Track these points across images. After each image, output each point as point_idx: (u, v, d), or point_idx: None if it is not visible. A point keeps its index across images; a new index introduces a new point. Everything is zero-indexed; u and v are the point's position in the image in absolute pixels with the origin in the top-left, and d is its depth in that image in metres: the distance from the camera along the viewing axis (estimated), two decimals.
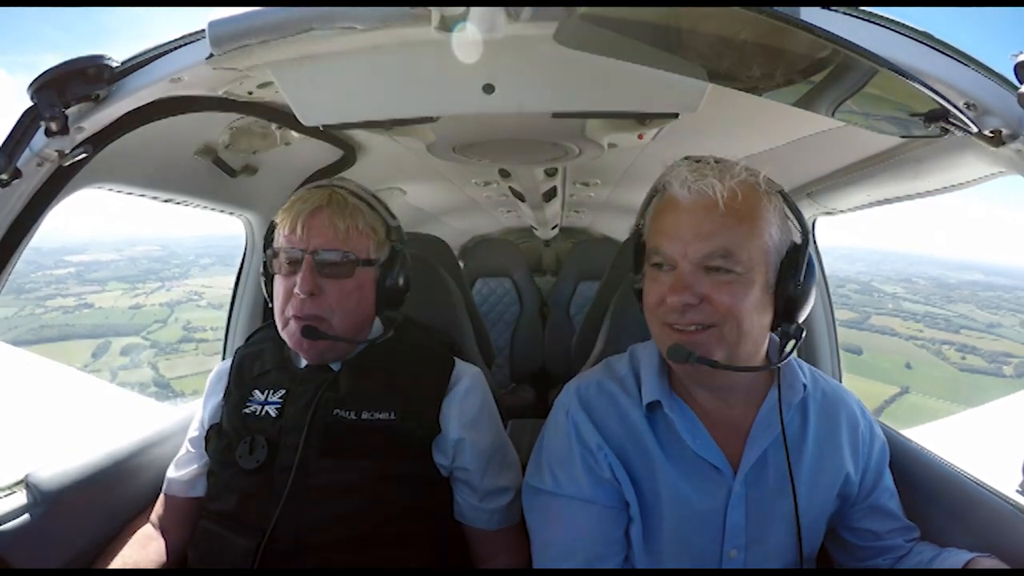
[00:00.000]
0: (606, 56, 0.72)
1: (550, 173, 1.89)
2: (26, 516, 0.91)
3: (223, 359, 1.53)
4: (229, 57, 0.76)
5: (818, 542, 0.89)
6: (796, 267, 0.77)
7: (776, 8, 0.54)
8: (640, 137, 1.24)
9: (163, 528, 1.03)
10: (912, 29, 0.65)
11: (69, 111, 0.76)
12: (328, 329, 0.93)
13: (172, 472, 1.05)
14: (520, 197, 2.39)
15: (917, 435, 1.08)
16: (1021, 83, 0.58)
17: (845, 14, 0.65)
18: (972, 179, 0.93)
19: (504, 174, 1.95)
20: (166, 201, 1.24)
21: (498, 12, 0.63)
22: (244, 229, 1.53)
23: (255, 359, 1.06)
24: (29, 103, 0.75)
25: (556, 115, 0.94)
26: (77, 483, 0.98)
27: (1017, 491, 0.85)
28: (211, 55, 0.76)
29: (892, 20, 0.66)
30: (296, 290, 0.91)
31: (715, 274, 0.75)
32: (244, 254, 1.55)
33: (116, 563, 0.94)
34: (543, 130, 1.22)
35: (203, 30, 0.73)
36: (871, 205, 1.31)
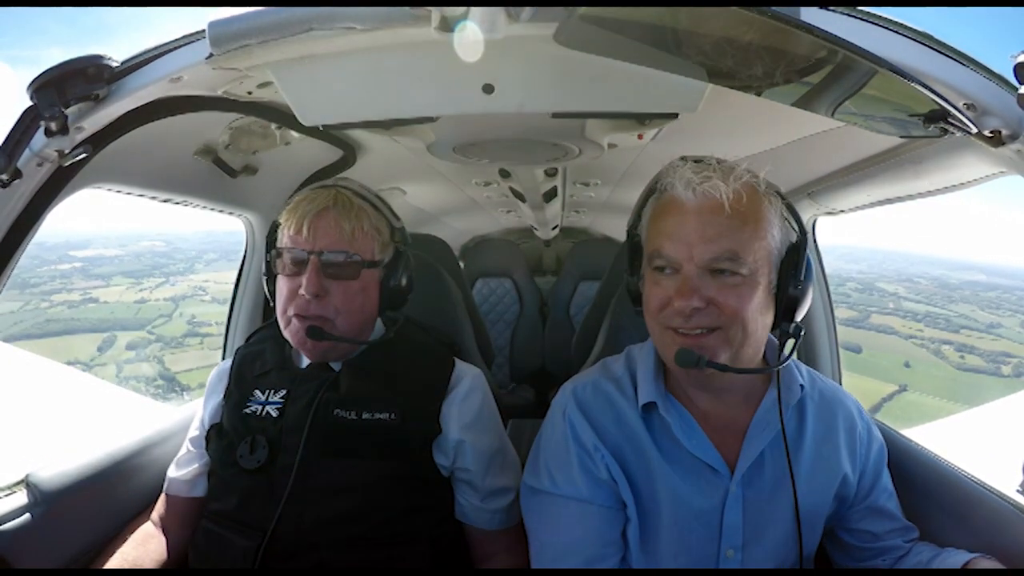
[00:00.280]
0: (606, 56, 0.72)
1: (550, 173, 1.89)
2: (26, 516, 0.91)
3: (223, 358, 1.53)
4: (229, 57, 0.76)
5: (815, 542, 0.89)
6: (796, 267, 0.78)
7: (776, 8, 0.54)
8: (640, 137, 1.24)
9: (164, 528, 1.03)
10: (912, 29, 0.65)
11: (69, 111, 0.76)
12: (332, 329, 0.94)
13: (173, 472, 1.05)
14: (520, 197, 2.39)
15: (917, 434, 1.08)
16: (1021, 83, 0.58)
17: (845, 14, 0.65)
18: (972, 179, 0.93)
19: (504, 174, 1.95)
20: (165, 201, 1.24)
21: (498, 12, 0.63)
22: (244, 229, 1.53)
23: (256, 359, 1.06)
24: (29, 103, 0.75)
25: (556, 115, 0.94)
26: (77, 483, 0.98)
27: (1017, 491, 0.85)
28: (211, 55, 0.75)
29: (892, 20, 0.66)
30: (302, 291, 0.91)
31: (721, 277, 0.75)
32: (244, 254, 1.56)
33: (116, 562, 0.94)
34: (543, 130, 1.22)
35: (203, 30, 0.73)
36: (871, 205, 1.31)
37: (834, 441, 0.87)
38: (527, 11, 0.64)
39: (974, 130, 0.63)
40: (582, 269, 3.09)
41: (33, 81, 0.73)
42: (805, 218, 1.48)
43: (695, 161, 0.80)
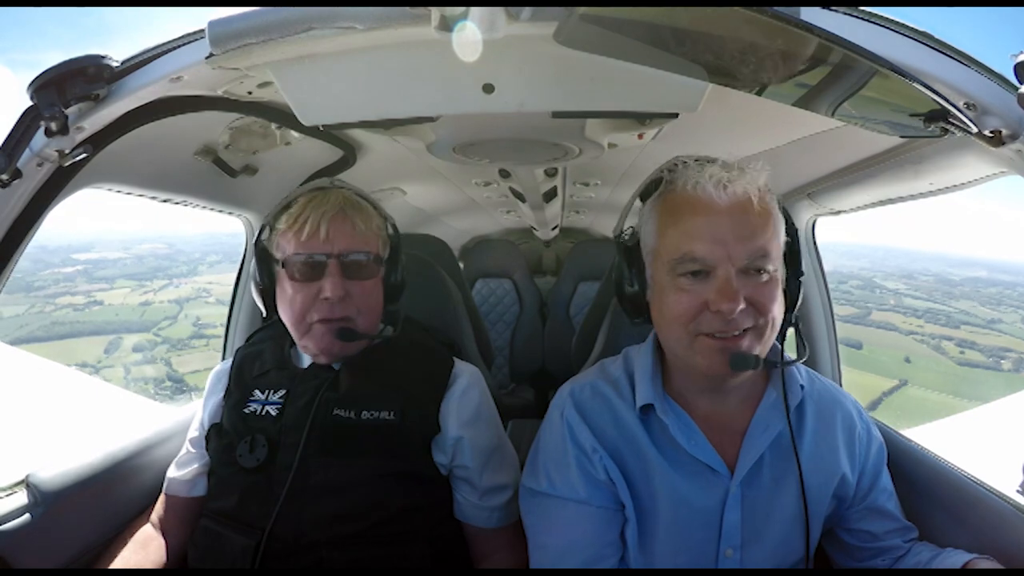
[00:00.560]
0: (606, 56, 0.72)
1: (550, 173, 1.89)
2: (26, 516, 0.91)
3: (223, 359, 1.53)
4: (229, 57, 0.76)
5: (814, 542, 0.89)
6: (796, 261, 0.81)
7: (776, 8, 0.54)
8: (640, 137, 1.24)
9: (163, 527, 1.03)
10: (912, 29, 0.65)
11: (69, 111, 0.76)
12: (356, 329, 0.95)
13: (173, 472, 1.05)
14: (520, 197, 2.39)
15: (922, 432, 1.08)
16: (1021, 83, 0.58)
17: (845, 14, 0.65)
18: (972, 179, 0.93)
19: (504, 174, 1.95)
20: (164, 201, 1.24)
21: (498, 12, 0.63)
22: (244, 229, 1.53)
23: (255, 359, 1.06)
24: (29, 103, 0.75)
25: (556, 115, 0.94)
26: (78, 483, 0.98)
27: (1017, 491, 0.85)
28: (211, 55, 0.75)
29: (892, 20, 0.66)
30: (325, 295, 0.91)
31: (754, 276, 0.74)
32: (244, 254, 1.55)
33: (117, 563, 0.94)
34: (543, 130, 1.22)
35: (203, 30, 0.73)
36: (871, 205, 1.31)
37: (833, 441, 0.87)
38: (527, 11, 0.64)
39: (974, 130, 0.63)
40: (582, 269, 3.08)
41: (33, 81, 0.73)
42: (805, 218, 1.48)
43: (695, 160, 0.80)
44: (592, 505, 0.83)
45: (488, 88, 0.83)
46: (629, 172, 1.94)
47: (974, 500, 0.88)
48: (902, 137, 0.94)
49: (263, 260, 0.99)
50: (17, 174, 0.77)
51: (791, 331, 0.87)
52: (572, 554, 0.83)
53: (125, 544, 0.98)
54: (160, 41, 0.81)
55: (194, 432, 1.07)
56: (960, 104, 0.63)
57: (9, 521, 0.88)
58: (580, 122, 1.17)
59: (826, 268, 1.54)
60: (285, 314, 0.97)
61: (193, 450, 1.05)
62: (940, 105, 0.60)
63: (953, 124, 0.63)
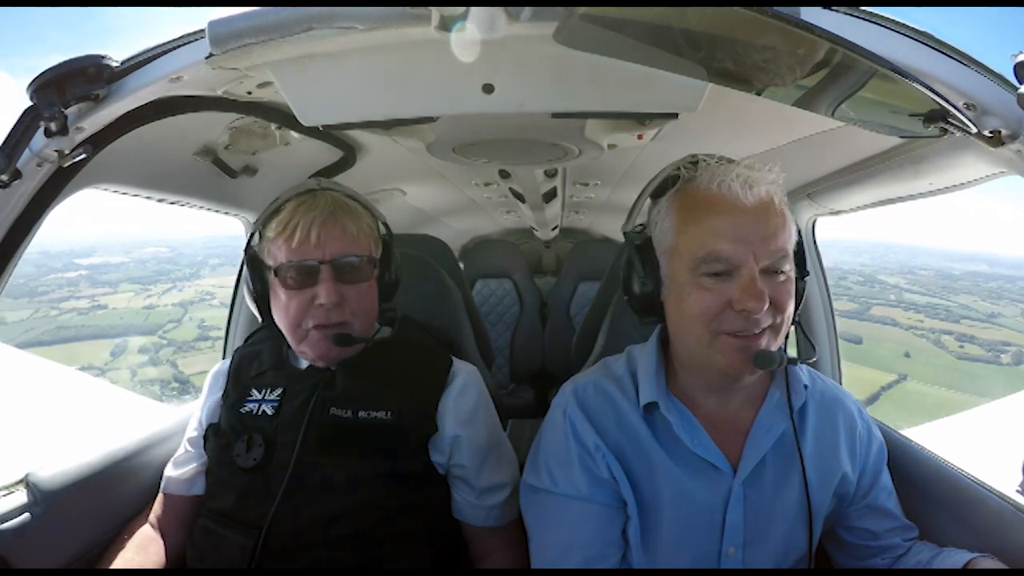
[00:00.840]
0: (606, 56, 0.72)
1: (550, 174, 1.89)
2: (26, 516, 0.91)
3: (223, 359, 1.53)
4: (229, 57, 0.76)
5: (815, 541, 0.89)
6: (803, 262, 0.83)
7: (776, 8, 0.54)
8: (640, 137, 1.24)
9: (162, 527, 1.03)
10: (912, 29, 0.65)
11: (69, 111, 0.76)
12: (352, 333, 0.94)
13: (170, 471, 1.05)
14: (520, 198, 2.39)
15: (924, 430, 1.08)
16: (1021, 83, 0.58)
17: (845, 14, 0.65)
18: (972, 179, 0.93)
19: (504, 175, 1.95)
20: (160, 200, 1.24)
21: (498, 12, 0.63)
22: (244, 230, 1.53)
23: (253, 359, 1.06)
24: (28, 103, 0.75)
25: (556, 115, 0.94)
26: (77, 483, 0.98)
27: (1017, 491, 0.85)
28: (211, 55, 0.75)
29: (892, 20, 0.66)
30: (320, 301, 0.90)
31: (773, 276, 0.75)
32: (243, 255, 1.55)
33: (116, 563, 0.94)
34: (543, 130, 1.22)
35: (203, 30, 0.73)
36: (871, 205, 1.31)
37: (834, 441, 0.87)
38: (527, 11, 0.64)
39: (974, 130, 0.63)
40: (582, 270, 3.09)
41: (33, 81, 0.73)
42: (805, 218, 1.48)
43: (703, 159, 0.80)
44: (594, 503, 0.83)
45: (488, 88, 0.83)
46: (629, 172, 1.94)
47: (974, 500, 0.88)
48: (902, 137, 0.95)
49: (255, 267, 0.98)
50: (17, 175, 0.77)
51: (791, 330, 0.87)
52: (573, 552, 0.83)
53: (124, 543, 0.98)
54: (160, 41, 0.82)
55: (192, 432, 1.06)
56: (960, 104, 0.63)
57: (9, 520, 0.88)
58: (580, 122, 1.17)
59: (827, 264, 1.54)
60: (280, 321, 0.96)
61: (191, 450, 1.05)
62: (940, 105, 0.60)
63: (953, 124, 0.63)
